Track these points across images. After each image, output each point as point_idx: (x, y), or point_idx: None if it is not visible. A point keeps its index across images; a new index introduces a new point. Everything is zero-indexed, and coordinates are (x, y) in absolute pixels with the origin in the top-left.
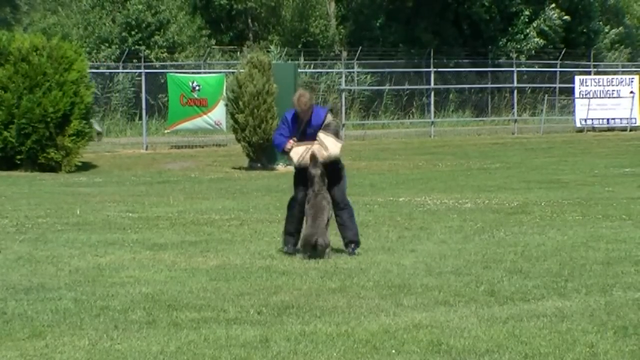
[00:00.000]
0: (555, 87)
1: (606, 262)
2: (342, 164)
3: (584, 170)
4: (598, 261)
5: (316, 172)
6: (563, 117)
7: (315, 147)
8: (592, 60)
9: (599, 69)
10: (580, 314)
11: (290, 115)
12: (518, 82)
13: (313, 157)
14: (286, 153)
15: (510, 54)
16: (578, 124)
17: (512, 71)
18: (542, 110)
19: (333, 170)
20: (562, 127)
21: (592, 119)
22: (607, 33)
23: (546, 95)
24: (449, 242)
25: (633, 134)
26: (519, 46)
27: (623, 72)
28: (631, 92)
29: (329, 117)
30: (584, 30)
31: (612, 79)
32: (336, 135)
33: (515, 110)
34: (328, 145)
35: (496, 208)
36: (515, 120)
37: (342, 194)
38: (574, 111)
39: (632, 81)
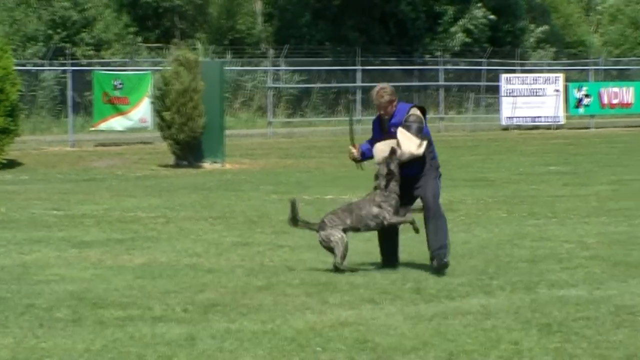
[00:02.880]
0: (481, 86)
1: (531, 260)
2: (433, 164)
3: (509, 168)
4: (523, 259)
5: (381, 169)
6: (489, 115)
7: (394, 143)
8: (518, 58)
9: (525, 68)
10: (505, 312)
11: (375, 118)
12: (444, 80)
13: (392, 153)
14: (360, 161)
15: (436, 53)
16: (504, 122)
17: (438, 69)
18: (468, 109)
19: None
20: (488, 125)
21: (517, 117)
22: (533, 32)
23: (472, 94)
24: (374, 240)
25: (558, 132)
26: (444, 45)
27: (549, 71)
28: (556, 90)
29: (412, 111)
30: (510, 29)
31: (538, 77)
32: (416, 131)
33: (441, 108)
34: (402, 143)
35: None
36: (442, 118)
37: (432, 198)
38: (499, 109)
39: (557, 80)
